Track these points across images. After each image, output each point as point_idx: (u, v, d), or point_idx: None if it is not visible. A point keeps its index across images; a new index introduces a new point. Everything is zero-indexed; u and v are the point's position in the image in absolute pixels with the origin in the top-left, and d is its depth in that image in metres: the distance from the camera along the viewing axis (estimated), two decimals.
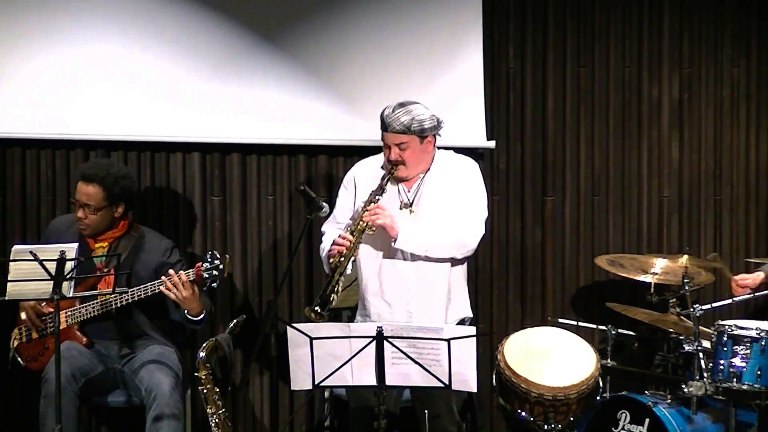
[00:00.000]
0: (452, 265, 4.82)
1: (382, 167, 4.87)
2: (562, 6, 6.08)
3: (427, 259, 4.77)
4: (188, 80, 5.74)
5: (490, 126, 5.96)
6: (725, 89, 6.21)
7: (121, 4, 5.69)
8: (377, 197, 4.73)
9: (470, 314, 4.90)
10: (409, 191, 4.84)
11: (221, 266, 4.90)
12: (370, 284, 4.82)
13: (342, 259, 4.63)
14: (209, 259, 4.90)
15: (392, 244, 4.73)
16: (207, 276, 4.90)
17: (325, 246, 4.84)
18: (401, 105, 4.76)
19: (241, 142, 5.85)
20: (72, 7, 5.67)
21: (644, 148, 6.17)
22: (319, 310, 4.51)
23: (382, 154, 4.92)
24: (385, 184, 4.76)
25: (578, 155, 6.13)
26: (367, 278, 4.83)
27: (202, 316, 5.03)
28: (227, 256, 4.97)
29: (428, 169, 4.86)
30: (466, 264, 4.92)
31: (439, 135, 4.83)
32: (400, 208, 4.80)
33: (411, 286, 4.77)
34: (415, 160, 4.78)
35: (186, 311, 4.99)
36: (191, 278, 4.91)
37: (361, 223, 4.68)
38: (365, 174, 4.91)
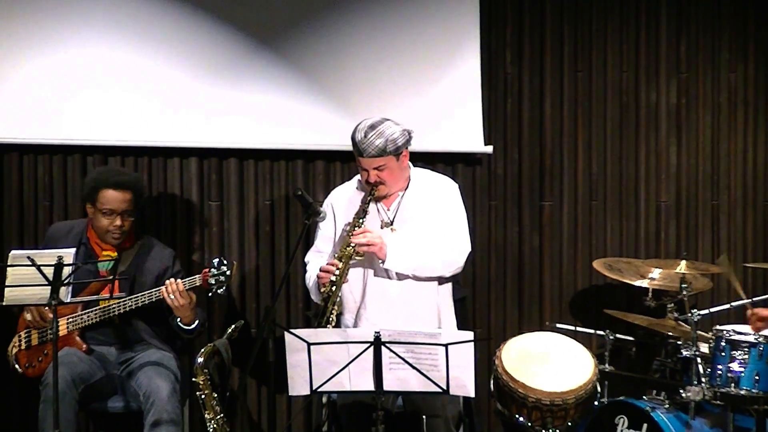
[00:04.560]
0: (439, 284, 4.82)
1: (357, 188, 4.87)
2: (559, 11, 6.09)
3: (414, 278, 4.76)
4: (186, 85, 5.74)
5: (487, 131, 5.96)
6: (723, 94, 6.21)
7: (119, 9, 5.68)
8: (361, 220, 4.71)
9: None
10: (388, 210, 4.83)
11: (228, 272, 4.91)
12: (355, 304, 4.81)
13: (333, 288, 4.62)
14: (216, 265, 4.91)
15: (381, 265, 4.72)
16: (213, 282, 4.91)
17: (311, 275, 4.83)
18: (372, 127, 4.69)
19: (238, 147, 5.85)
20: (70, 11, 5.67)
21: (642, 153, 6.17)
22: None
23: (355, 178, 4.92)
24: (367, 206, 4.74)
25: (576, 160, 6.13)
26: (352, 299, 4.81)
27: (193, 326, 5.04)
28: (234, 262, 4.98)
29: (406, 187, 4.85)
30: (452, 284, 4.92)
31: (410, 145, 4.80)
32: (381, 227, 4.79)
33: (397, 306, 4.75)
34: (394, 178, 4.77)
35: (178, 319, 5.00)
36: (197, 284, 4.92)
37: (348, 248, 4.66)
38: (342, 199, 4.90)
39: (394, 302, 4.75)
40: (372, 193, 4.74)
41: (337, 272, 4.63)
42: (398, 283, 4.76)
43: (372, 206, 4.78)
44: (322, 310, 4.62)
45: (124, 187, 5.06)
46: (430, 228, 4.77)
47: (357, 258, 4.67)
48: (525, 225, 6.11)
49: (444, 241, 4.77)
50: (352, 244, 4.64)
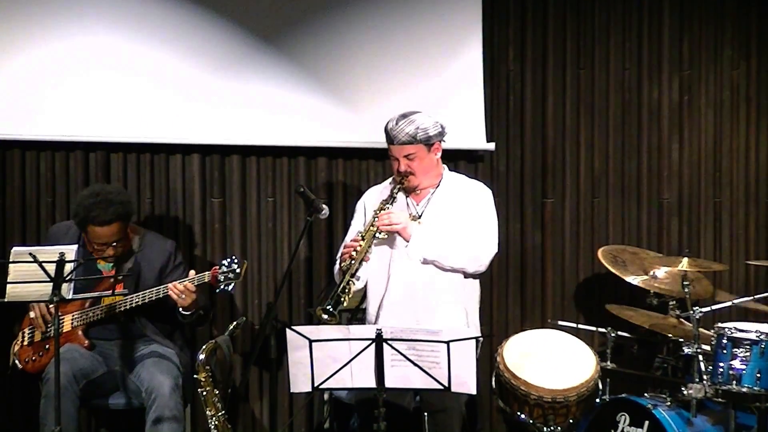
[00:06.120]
0: (464, 277, 4.82)
1: (390, 183, 4.89)
2: (561, 8, 6.09)
3: (437, 267, 4.76)
4: (188, 82, 5.74)
5: (489, 128, 5.96)
6: (725, 91, 6.22)
7: (125, 6, 5.68)
8: (388, 205, 4.74)
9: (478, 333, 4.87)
10: (417, 205, 4.85)
11: (238, 270, 4.90)
12: (378, 293, 4.81)
13: (353, 261, 4.64)
14: (227, 264, 4.90)
15: (405, 247, 4.73)
16: (222, 279, 4.90)
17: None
18: (404, 116, 4.76)
19: (240, 144, 5.85)
20: (73, 6, 5.66)
21: (644, 151, 6.17)
22: (331, 310, 4.51)
23: (388, 180, 4.94)
24: (396, 194, 4.76)
25: (578, 157, 6.13)
26: (375, 287, 4.82)
27: (192, 311, 5.02)
28: (245, 261, 4.97)
29: (438, 185, 4.86)
30: (478, 282, 4.91)
31: (444, 141, 4.83)
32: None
33: (419, 297, 4.76)
34: (423, 169, 4.79)
35: (180, 308, 5.00)
36: (205, 281, 4.91)
37: (372, 228, 4.69)
38: (374, 199, 4.92)
39: (417, 295, 4.75)
40: (402, 182, 4.76)
41: (359, 247, 4.65)
42: (422, 275, 4.76)
43: (402, 199, 4.81)
44: (339, 281, 4.62)
45: (111, 222, 4.96)
46: (458, 226, 4.78)
47: (381, 236, 4.69)
48: (527, 222, 6.11)
49: (471, 236, 4.77)
50: (376, 224, 4.67)
